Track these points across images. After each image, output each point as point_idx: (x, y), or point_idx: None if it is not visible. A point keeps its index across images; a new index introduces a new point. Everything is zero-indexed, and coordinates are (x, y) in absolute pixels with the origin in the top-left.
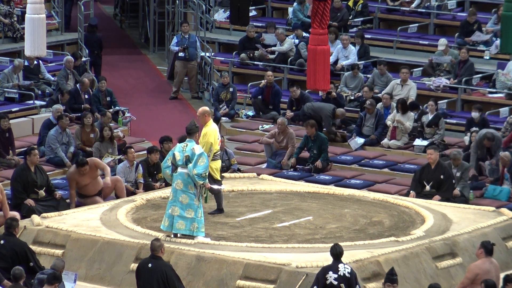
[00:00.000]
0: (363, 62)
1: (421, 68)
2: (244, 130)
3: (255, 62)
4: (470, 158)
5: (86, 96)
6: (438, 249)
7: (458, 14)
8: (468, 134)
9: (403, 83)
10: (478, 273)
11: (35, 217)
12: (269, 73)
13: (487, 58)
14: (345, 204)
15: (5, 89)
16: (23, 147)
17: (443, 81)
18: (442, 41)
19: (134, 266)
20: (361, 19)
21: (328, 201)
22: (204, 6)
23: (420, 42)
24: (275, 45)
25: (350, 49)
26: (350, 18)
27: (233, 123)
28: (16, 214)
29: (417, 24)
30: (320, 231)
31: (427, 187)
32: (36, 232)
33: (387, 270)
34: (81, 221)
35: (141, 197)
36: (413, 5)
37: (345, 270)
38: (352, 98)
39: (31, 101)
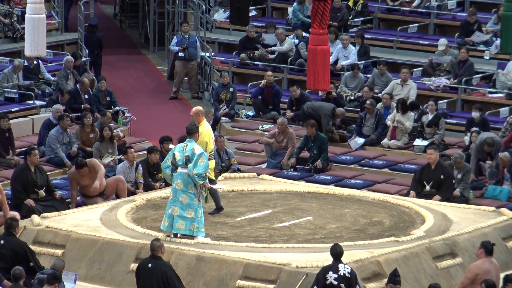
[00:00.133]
0: (363, 62)
1: (421, 68)
2: (244, 130)
3: (255, 62)
4: (470, 163)
5: (86, 96)
6: (438, 249)
7: (458, 14)
8: (468, 134)
9: (403, 83)
10: (478, 273)
11: (35, 217)
12: (269, 73)
13: (487, 58)
14: (345, 204)
15: (5, 89)
16: (23, 147)
17: (443, 81)
18: (442, 41)
19: (134, 266)
20: (361, 19)
21: (328, 201)
22: (204, 6)
23: (420, 42)
24: (275, 45)
25: (350, 49)
26: (350, 18)
27: (233, 123)
28: (16, 214)
29: (417, 24)
30: (320, 231)
31: (427, 187)
32: (36, 232)
33: (387, 270)
34: (81, 221)
35: (141, 197)
36: (413, 5)
37: (345, 270)
38: (352, 98)
39: (31, 101)
